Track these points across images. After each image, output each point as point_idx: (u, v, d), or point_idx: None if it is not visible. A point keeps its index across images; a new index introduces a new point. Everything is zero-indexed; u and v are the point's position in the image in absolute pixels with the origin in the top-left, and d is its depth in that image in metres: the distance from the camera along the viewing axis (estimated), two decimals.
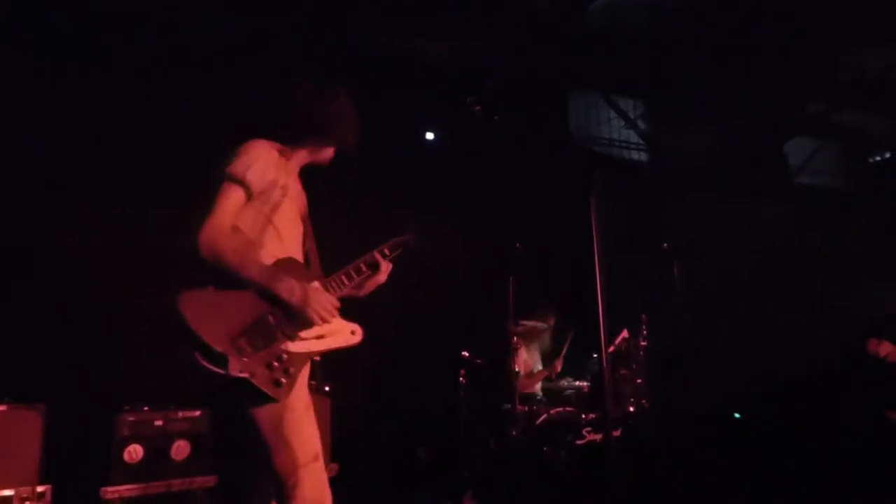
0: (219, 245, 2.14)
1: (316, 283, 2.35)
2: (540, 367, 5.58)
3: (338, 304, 2.31)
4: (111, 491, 4.11)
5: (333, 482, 4.71)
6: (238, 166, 2.20)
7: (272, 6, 5.21)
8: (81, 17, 4.90)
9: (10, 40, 4.77)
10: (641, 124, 7.34)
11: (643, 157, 7.41)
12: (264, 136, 2.33)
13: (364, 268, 2.64)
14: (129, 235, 4.99)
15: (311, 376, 4.86)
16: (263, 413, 2.12)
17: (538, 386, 5.45)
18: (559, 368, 5.45)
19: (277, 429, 2.13)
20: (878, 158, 8.34)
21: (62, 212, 4.84)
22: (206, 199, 2.24)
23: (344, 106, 2.44)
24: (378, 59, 5.66)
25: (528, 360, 5.52)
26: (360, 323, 5.57)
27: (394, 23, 5.61)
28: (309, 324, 2.22)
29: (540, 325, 5.42)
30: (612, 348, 4.78)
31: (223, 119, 5.23)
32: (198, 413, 4.47)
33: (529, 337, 5.48)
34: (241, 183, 2.21)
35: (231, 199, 2.21)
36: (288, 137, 2.37)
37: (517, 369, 4.68)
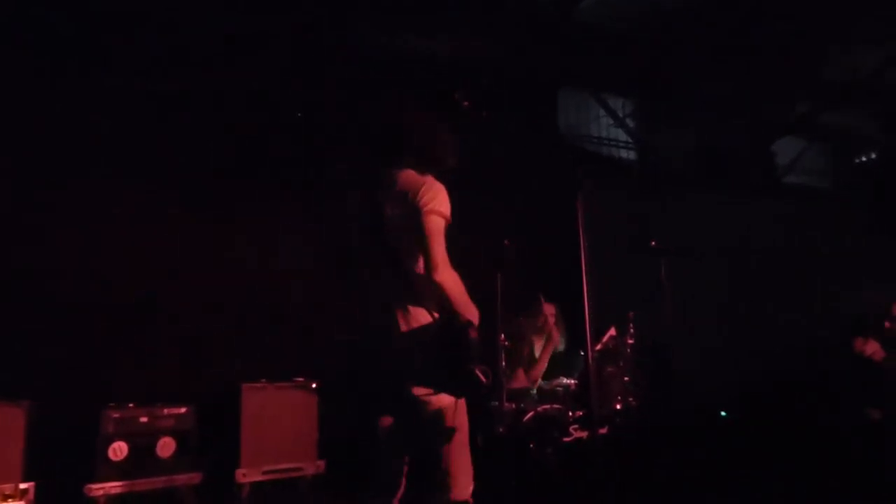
0: (450, 281, 2.31)
1: None
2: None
3: None
4: (95, 488, 3.98)
5: (321, 480, 4.65)
6: (441, 204, 2.36)
7: (272, 6, 5.09)
8: (81, 17, 4.77)
9: (10, 40, 4.64)
10: (630, 123, 7.21)
11: (632, 155, 7.28)
12: (405, 167, 2.49)
13: None
14: (120, 234, 4.86)
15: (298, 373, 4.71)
16: (447, 406, 2.31)
17: (539, 378, 5.30)
18: (558, 343, 5.26)
19: (457, 416, 2.32)
20: (864, 159, 8.27)
21: (55, 211, 4.69)
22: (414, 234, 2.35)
23: (453, 138, 2.65)
24: (373, 58, 5.56)
25: (533, 352, 5.36)
26: (345, 323, 5.47)
27: (389, 21, 5.49)
28: None
29: (538, 321, 5.28)
30: (599, 346, 4.66)
31: (223, 119, 5.18)
32: (183, 410, 4.32)
33: (533, 332, 5.33)
34: (446, 218, 2.37)
35: (443, 234, 2.36)
36: (422, 167, 2.52)
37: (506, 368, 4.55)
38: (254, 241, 5.28)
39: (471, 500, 2.33)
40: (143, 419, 4.22)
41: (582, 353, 4.81)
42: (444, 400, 2.31)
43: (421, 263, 2.35)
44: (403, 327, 2.32)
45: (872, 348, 5.55)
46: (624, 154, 7.23)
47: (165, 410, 4.29)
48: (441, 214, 2.34)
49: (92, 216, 4.80)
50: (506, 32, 5.68)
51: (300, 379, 4.74)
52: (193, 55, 5.06)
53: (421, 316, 2.34)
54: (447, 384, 2.28)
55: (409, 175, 2.45)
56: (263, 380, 4.61)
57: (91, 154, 4.81)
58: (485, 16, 5.48)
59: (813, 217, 7.75)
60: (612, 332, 4.67)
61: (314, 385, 4.73)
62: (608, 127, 7.12)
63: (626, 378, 4.50)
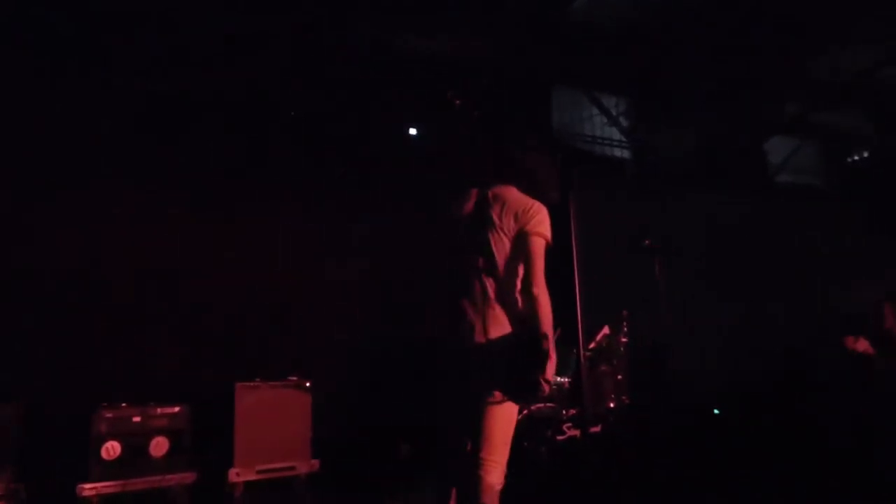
0: (544, 298, 2.40)
1: None
2: None
3: None
4: (88, 488, 3.89)
5: (314, 478, 4.56)
6: (546, 228, 2.49)
7: (272, 6, 4.99)
8: (81, 17, 4.68)
9: (10, 40, 4.57)
10: (624, 122, 7.11)
11: (626, 154, 7.17)
12: (508, 184, 2.62)
13: None
14: (116, 234, 4.78)
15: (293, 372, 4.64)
16: (508, 410, 2.43)
17: None
18: None
19: (510, 423, 2.45)
20: (856, 158, 8.17)
21: (52, 211, 4.60)
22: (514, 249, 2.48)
23: (558, 173, 2.82)
24: (371, 58, 5.48)
25: None
26: (345, 322, 5.39)
27: (388, 21, 5.41)
28: None
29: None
30: (593, 344, 4.57)
31: (223, 119, 5.12)
32: (177, 409, 4.22)
33: None
34: (548, 241, 2.50)
35: (544, 257, 2.48)
36: (525, 191, 2.64)
37: None
38: (250, 241, 5.21)
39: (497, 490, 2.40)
40: (136, 419, 4.12)
41: (575, 352, 4.72)
42: (509, 404, 2.42)
43: (512, 276, 2.47)
44: (492, 333, 2.41)
45: (863, 346, 5.46)
46: (618, 153, 7.12)
47: (158, 410, 4.19)
48: (545, 237, 2.48)
49: (88, 216, 4.72)
50: (503, 32, 5.58)
51: (294, 378, 4.65)
52: (193, 55, 4.97)
53: (503, 325, 2.44)
54: (517, 391, 2.40)
55: (514, 193, 2.57)
56: (257, 379, 4.52)
57: (90, 154, 4.74)
58: (482, 15, 5.39)
59: (806, 216, 7.66)
60: (606, 330, 4.58)
61: (308, 384, 4.64)
62: (602, 126, 7.01)
63: (619, 377, 4.40)
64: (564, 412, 4.29)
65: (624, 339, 4.50)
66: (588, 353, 4.32)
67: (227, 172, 5.14)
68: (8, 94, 4.53)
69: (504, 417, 2.41)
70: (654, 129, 7.04)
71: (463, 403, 2.47)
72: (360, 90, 5.51)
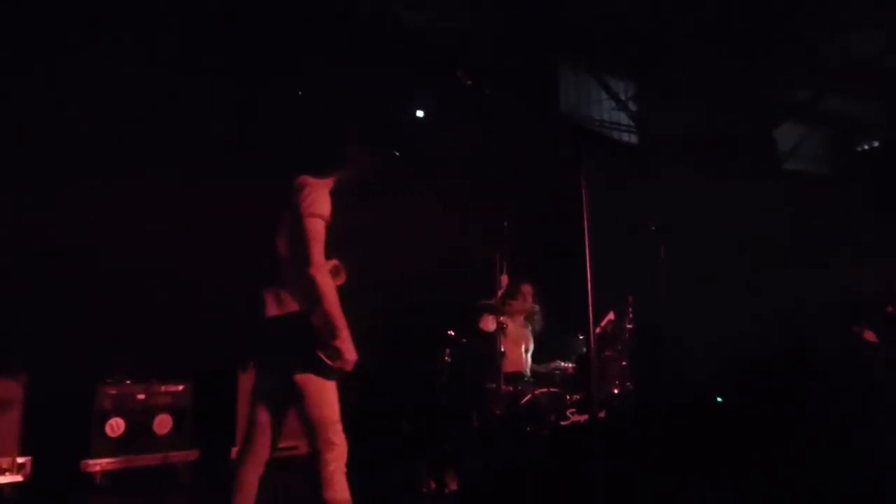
0: (322, 283, 2.42)
1: None
2: (531, 346, 5.32)
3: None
4: (92, 463, 3.90)
5: (316, 458, 4.54)
6: (321, 206, 2.47)
7: None
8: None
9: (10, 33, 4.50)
10: (633, 106, 7.01)
11: (633, 139, 7.09)
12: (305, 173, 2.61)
13: None
14: (123, 212, 4.75)
15: None
16: (326, 382, 2.55)
17: (527, 365, 5.18)
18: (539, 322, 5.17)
19: (330, 393, 2.58)
20: (866, 147, 8.09)
21: (59, 187, 4.58)
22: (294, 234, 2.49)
23: (359, 148, 2.81)
24: (370, 33, 5.39)
25: (517, 337, 5.23)
26: (348, 302, 5.36)
27: None
28: None
29: (523, 305, 5.14)
30: (598, 330, 4.53)
31: (222, 98, 5.07)
32: (180, 387, 4.24)
33: (517, 315, 5.21)
34: (325, 219, 2.49)
35: (323, 235, 2.48)
36: (323, 173, 2.65)
37: (502, 349, 4.42)
38: (258, 223, 5.15)
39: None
40: (140, 396, 4.13)
41: (581, 337, 4.69)
42: (313, 381, 2.53)
43: (294, 257, 2.49)
44: (274, 312, 2.51)
45: (870, 336, 5.45)
46: (626, 138, 7.04)
47: (162, 387, 4.21)
48: (321, 216, 2.46)
49: (95, 193, 4.69)
50: (504, 6, 5.48)
51: None
52: (185, 30, 4.92)
53: (285, 304, 2.51)
54: (306, 365, 2.49)
55: (300, 180, 2.57)
56: None
57: (100, 133, 4.73)
58: None
59: (810, 201, 7.60)
60: (611, 316, 4.54)
61: None
62: (610, 110, 6.92)
63: (623, 363, 4.37)
64: (568, 397, 4.27)
65: (629, 325, 4.46)
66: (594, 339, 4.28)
67: (229, 153, 5.12)
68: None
69: (311, 395, 2.53)
70: (661, 112, 6.94)
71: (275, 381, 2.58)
72: (361, 68, 5.42)
